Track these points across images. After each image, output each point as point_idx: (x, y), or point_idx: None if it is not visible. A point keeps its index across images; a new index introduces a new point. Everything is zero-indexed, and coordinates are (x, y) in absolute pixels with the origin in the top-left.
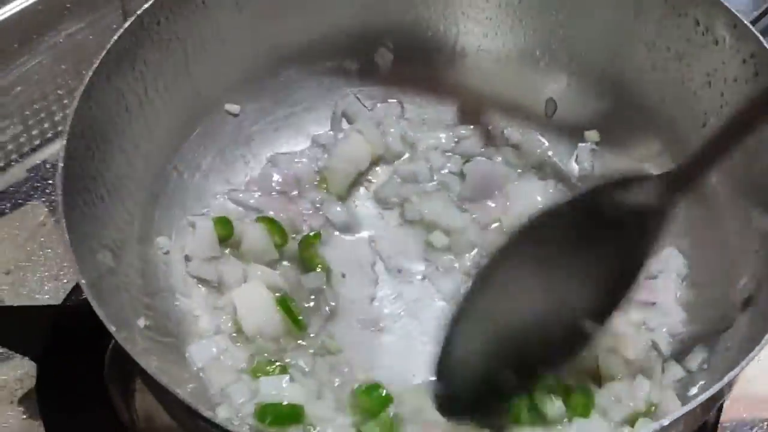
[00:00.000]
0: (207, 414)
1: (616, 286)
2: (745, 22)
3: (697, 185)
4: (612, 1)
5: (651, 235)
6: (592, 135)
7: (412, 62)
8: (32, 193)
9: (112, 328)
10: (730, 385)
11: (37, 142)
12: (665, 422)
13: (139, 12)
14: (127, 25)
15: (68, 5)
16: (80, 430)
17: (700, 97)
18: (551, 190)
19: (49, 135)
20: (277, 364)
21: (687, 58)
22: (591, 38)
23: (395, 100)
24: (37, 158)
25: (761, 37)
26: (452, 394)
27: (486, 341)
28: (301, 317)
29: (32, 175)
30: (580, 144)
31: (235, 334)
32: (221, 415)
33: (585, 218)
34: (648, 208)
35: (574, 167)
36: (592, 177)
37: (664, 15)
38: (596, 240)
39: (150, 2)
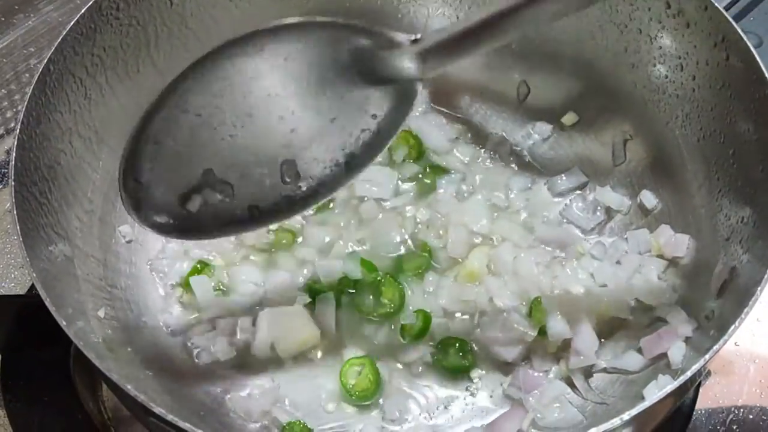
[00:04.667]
0: (158, 411)
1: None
2: (717, 5)
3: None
4: None
5: (404, 100)
6: (570, 117)
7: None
8: None
9: (62, 322)
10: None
11: (3, 127)
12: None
13: None
14: (84, 10)
15: None
16: (46, 421)
17: (672, 81)
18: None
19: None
20: None
21: (659, 41)
22: (563, 20)
23: None
24: (6, 144)
25: (732, 21)
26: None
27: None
28: None
29: None
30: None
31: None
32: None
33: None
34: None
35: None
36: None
37: None
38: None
39: None
